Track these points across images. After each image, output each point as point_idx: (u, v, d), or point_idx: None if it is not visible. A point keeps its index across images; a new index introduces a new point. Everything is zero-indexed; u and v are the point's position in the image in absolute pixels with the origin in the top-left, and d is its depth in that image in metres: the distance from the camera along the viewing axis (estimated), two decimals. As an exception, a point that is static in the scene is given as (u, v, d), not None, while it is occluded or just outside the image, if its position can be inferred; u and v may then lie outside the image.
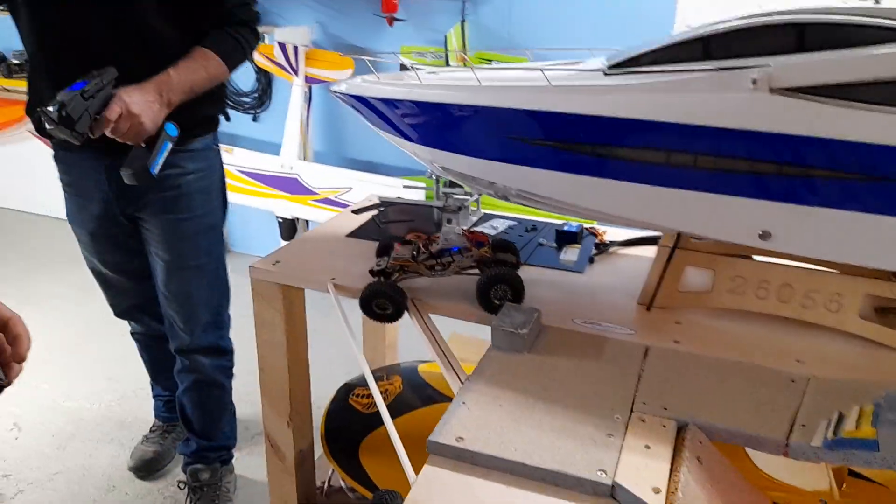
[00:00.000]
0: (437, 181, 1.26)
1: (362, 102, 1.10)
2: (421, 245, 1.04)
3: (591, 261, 1.18)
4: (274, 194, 2.93)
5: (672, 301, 0.99)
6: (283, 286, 1.15)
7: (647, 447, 0.70)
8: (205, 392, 1.73)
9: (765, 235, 0.83)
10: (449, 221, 1.24)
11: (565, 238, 1.23)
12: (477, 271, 1.04)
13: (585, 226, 1.29)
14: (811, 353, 0.88)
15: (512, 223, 1.33)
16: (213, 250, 1.61)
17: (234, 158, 2.95)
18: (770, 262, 0.94)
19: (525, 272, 1.08)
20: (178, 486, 1.83)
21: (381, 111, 1.09)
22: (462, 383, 0.84)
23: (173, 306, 1.60)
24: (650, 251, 1.21)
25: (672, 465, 0.68)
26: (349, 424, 1.32)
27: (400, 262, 1.03)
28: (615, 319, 0.97)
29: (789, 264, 0.93)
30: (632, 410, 0.77)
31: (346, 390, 1.43)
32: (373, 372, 1.50)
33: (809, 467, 1.07)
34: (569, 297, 1.05)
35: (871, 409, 0.67)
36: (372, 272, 1.05)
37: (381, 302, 1.00)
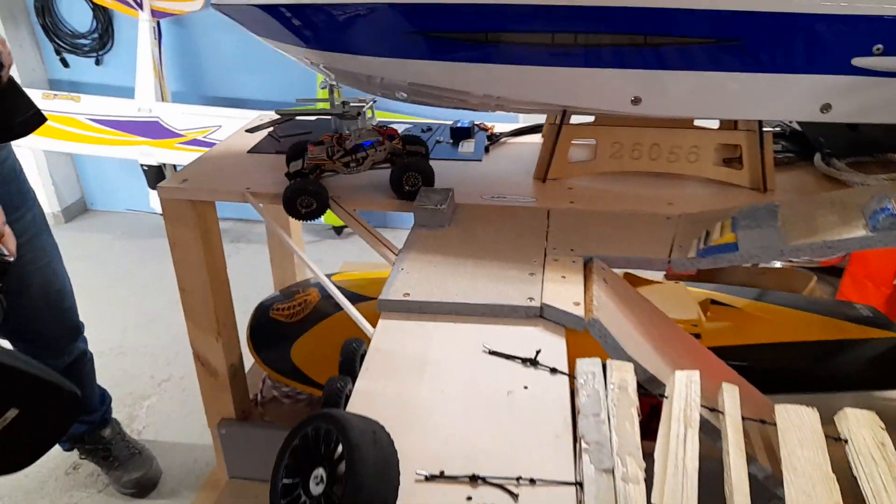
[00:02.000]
0: (332, 91, 1.31)
1: (248, 11, 1.11)
2: (335, 143, 1.09)
3: (487, 150, 1.30)
4: (134, 141, 2.76)
5: (563, 172, 1.14)
6: (196, 202, 1.16)
7: (563, 277, 0.84)
8: (85, 372, 1.57)
9: (636, 101, 0.98)
10: (348, 129, 1.30)
11: (460, 134, 1.34)
12: (389, 165, 1.12)
13: (476, 122, 1.40)
14: (679, 197, 1.07)
15: (408, 125, 1.41)
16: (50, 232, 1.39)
17: (81, 107, 2.71)
18: (641, 128, 1.10)
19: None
20: (80, 459, 1.68)
21: (269, 18, 1.10)
22: (396, 255, 0.93)
23: (49, 315, 1.40)
24: (535, 139, 1.35)
25: (585, 286, 0.83)
26: (277, 334, 1.37)
27: (316, 161, 1.08)
28: (517, 192, 1.10)
29: (656, 128, 1.10)
30: (545, 255, 0.90)
31: (264, 308, 1.47)
32: (288, 287, 1.55)
33: (681, 303, 1.29)
34: (474, 180, 1.16)
35: (730, 221, 0.85)
36: (288, 175, 1.10)
37: (305, 200, 1.05)
